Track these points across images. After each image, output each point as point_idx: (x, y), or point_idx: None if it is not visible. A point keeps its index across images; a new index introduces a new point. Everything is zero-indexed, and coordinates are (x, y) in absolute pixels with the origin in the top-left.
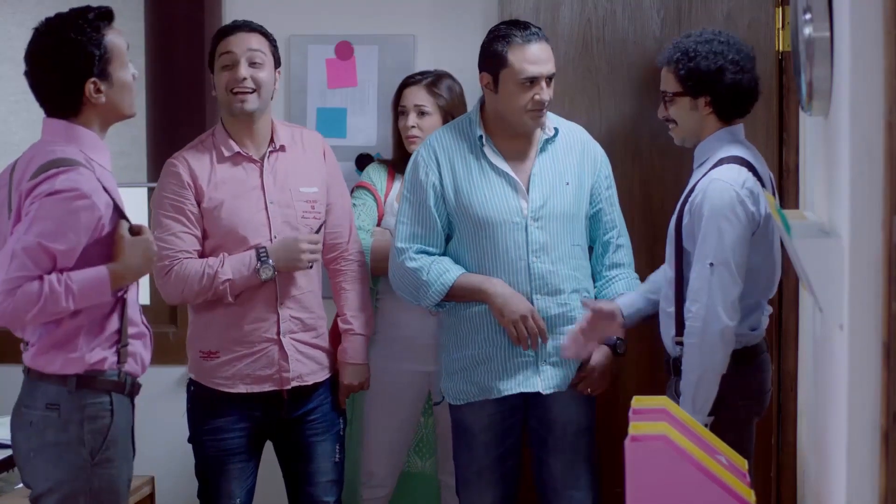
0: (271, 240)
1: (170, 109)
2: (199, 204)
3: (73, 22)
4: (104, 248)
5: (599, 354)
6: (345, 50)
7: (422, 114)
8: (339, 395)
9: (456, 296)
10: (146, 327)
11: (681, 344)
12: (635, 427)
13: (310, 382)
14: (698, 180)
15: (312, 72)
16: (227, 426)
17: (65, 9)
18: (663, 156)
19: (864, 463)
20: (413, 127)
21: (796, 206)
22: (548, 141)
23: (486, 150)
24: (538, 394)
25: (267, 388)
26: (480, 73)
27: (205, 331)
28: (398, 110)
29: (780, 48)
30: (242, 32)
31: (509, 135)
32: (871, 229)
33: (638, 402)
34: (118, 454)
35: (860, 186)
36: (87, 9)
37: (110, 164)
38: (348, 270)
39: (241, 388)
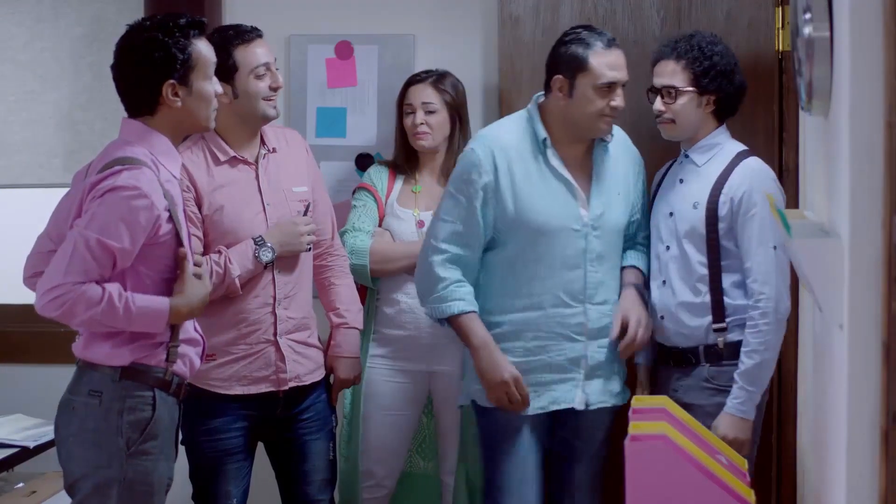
0: None
1: None
2: (199, 207)
3: (164, 24)
4: (157, 252)
5: (627, 304)
6: (345, 49)
7: (429, 111)
8: (332, 391)
9: (453, 326)
10: (200, 336)
11: (721, 331)
12: (635, 427)
13: (308, 383)
14: (722, 174)
15: (312, 71)
16: (223, 427)
17: (66, 10)
18: (664, 154)
19: (863, 463)
20: (422, 124)
21: (796, 206)
22: (603, 148)
23: (550, 153)
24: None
25: (263, 389)
26: (553, 75)
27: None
28: (403, 109)
29: (780, 48)
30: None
31: (570, 139)
32: (871, 229)
33: (638, 401)
34: (156, 449)
35: (860, 186)
36: (180, 15)
37: (179, 173)
38: (335, 266)
39: (238, 390)
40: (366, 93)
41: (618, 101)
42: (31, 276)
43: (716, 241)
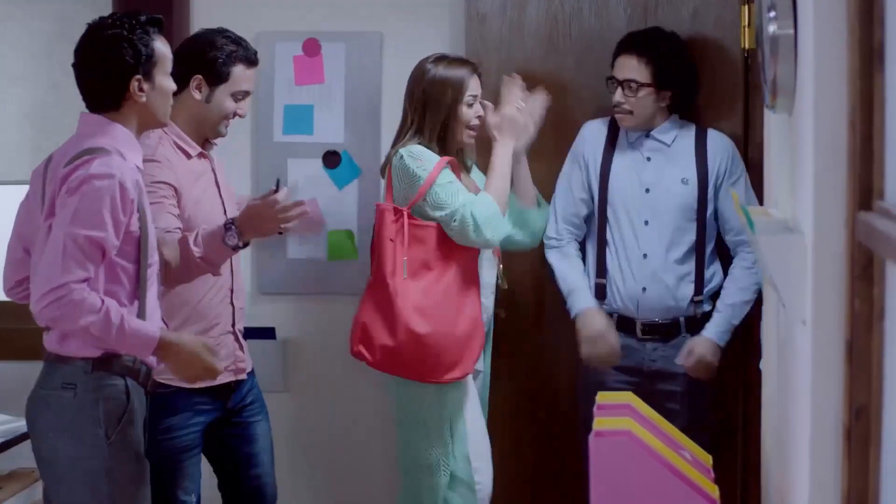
0: None
1: None
2: (178, 200)
3: (126, 21)
4: (127, 243)
5: None
6: (312, 47)
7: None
8: None
9: None
10: (166, 326)
11: (699, 303)
12: (599, 423)
13: (250, 368)
14: (698, 149)
15: (280, 69)
16: (181, 423)
17: (33, 8)
18: None
19: (826, 460)
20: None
21: (761, 203)
22: None
23: None
24: None
25: (224, 379)
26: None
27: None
28: (464, 102)
29: (746, 46)
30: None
31: None
32: (834, 226)
33: (602, 397)
34: (136, 436)
35: (824, 183)
36: (140, 12)
37: (142, 164)
38: None
39: (201, 383)
40: (333, 90)
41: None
42: (14, 287)
43: (704, 214)
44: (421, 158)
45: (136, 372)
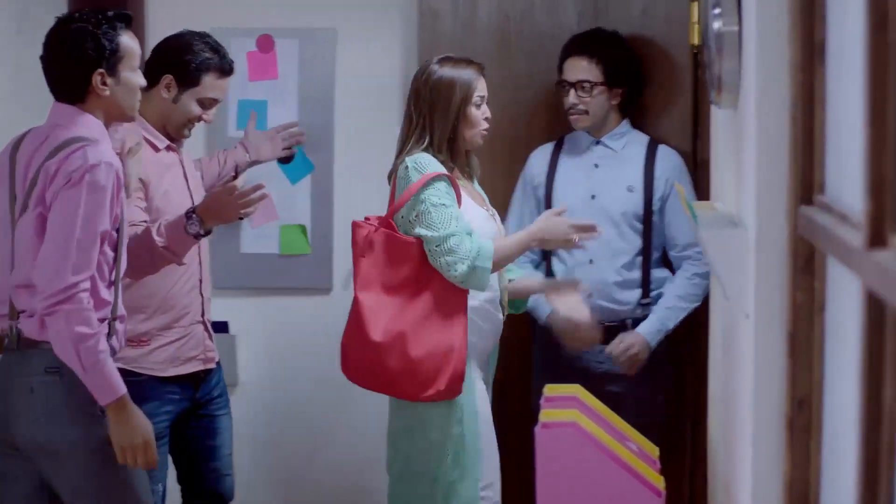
0: None
1: None
2: (145, 191)
3: (93, 16)
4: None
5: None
6: (266, 43)
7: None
8: None
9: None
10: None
11: (647, 305)
12: (546, 414)
13: (218, 359)
14: (648, 158)
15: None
16: (150, 412)
17: (3, 14)
18: None
19: (769, 450)
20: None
21: (709, 198)
22: None
23: None
24: None
25: (193, 368)
26: None
27: (131, 318)
28: (472, 102)
29: (696, 42)
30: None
31: None
32: (776, 220)
33: (550, 390)
34: None
35: (766, 178)
36: (108, 9)
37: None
38: None
39: (171, 371)
40: (287, 86)
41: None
42: None
43: (650, 220)
44: (426, 170)
45: (113, 352)
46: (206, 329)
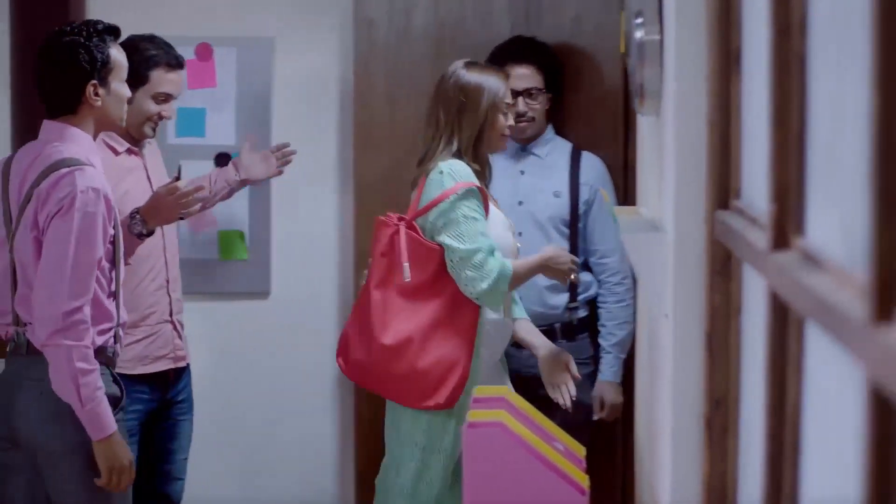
0: (163, 233)
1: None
2: None
3: (84, 29)
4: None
5: None
6: (204, 51)
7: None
8: None
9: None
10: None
11: (574, 309)
12: (473, 415)
13: (187, 363)
14: (573, 164)
15: None
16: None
17: None
18: None
19: (688, 448)
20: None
21: (635, 203)
22: None
23: None
24: None
25: (162, 367)
26: None
27: None
28: (500, 109)
29: (623, 51)
30: None
31: None
32: (694, 223)
33: (480, 391)
34: (121, 416)
35: (684, 183)
36: (98, 21)
37: (101, 168)
38: None
39: (140, 370)
40: (225, 94)
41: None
42: None
43: (576, 225)
44: (461, 179)
45: (113, 361)
46: (176, 328)
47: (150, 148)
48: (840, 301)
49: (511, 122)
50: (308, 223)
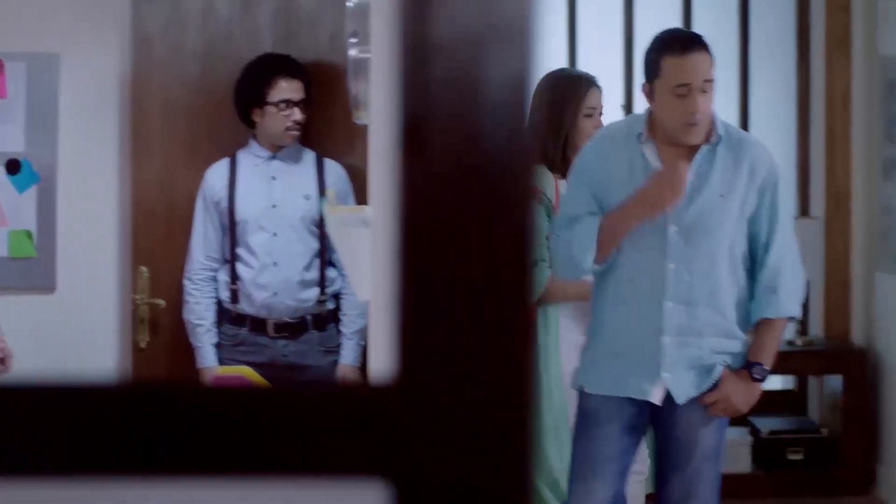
0: None
1: None
2: None
3: None
4: None
5: (731, 382)
6: None
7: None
8: None
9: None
10: None
11: (323, 302)
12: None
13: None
14: (318, 169)
15: None
16: None
17: None
18: None
19: None
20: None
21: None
22: (708, 150)
23: (645, 147)
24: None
25: None
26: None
27: None
28: (582, 112)
29: None
30: None
31: (668, 143)
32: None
33: (221, 371)
34: None
35: (384, 183)
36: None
37: None
38: None
39: None
40: (15, 105)
41: (695, 105)
42: None
43: (324, 225)
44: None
45: None
46: None
47: None
48: None
49: (599, 123)
50: (90, 223)
